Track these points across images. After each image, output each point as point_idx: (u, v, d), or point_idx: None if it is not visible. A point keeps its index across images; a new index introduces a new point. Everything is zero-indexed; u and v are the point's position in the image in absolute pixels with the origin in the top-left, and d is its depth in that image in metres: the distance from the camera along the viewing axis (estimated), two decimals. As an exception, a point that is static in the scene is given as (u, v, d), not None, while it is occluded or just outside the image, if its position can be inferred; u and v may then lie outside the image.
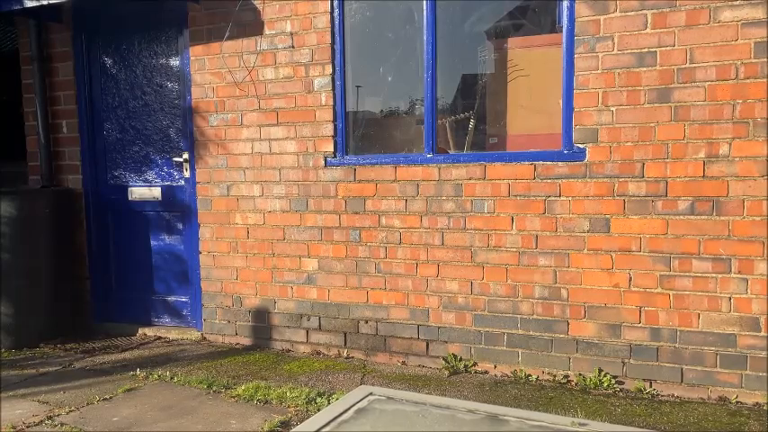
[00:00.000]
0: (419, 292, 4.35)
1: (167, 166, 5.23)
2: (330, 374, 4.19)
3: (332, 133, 4.53)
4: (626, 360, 3.84)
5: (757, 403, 3.55)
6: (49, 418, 3.53)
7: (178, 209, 5.21)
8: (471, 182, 4.15)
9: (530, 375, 4.05)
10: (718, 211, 3.60)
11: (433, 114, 4.28)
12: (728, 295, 3.61)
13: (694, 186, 3.64)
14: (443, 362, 4.27)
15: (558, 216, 3.95)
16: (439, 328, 4.31)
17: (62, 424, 3.43)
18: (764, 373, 3.55)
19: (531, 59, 4.29)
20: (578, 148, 3.89)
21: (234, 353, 4.74)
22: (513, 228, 4.07)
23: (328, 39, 4.48)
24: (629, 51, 3.74)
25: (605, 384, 3.83)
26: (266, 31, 4.66)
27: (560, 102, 3.98)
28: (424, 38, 4.26)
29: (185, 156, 5.10)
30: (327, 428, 2.92)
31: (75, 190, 5.42)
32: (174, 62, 5.13)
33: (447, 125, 4.55)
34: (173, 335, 5.20)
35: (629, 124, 3.76)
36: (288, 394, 3.73)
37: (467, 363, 4.22)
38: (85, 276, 5.47)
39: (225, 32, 4.74)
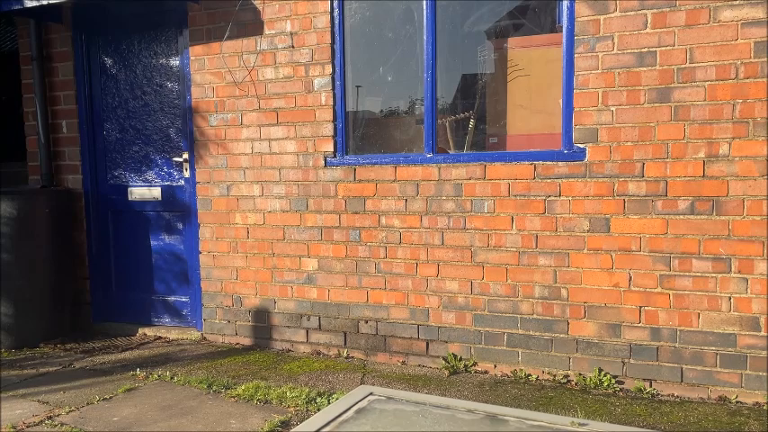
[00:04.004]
0: (419, 291, 4.35)
1: (167, 165, 5.23)
2: (330, 374, 4.19)
3: (332, 133, 4.53)
4: (626, 360, 3.84)
5: (757, 403, 3.55)
6: (49, 417, 3.53)
7: (178, 209, 5.21)
8: (471, 182, 4.15)
9: (530, 375, 4.05)
10: (718, 211, 3.60)
11: (433, 114, 4.28)
12: (728, 295, 3.61)
13: (694, 186, 3.64)
14: (443, 362, 4.27)
15: (558, 216, 3.95)
16: (439, 327, 4.31)
17: (62, 424, 3.43)
18: (764, 373, 3.55)
19: (531, 59, 4.29)
20: (578, 147, 3.89)
21: (234, 353, 4.74)
22: (513, 227, 4.07)
23: (328, 39, 4.48)
24: (629, 51, 3.74)
25: (605, 384, 3.83)
26: (266, 31, 4.66)
27: (560, 102, 3.98)
28: (424, 38, 4.26)
29: (185, 156, 5.10)
30: (327, 428, 2.92)
31: (75, 190, 5.42)
32: (174, 62, 5.13)
33: (447, 125, 4.55)
34: (173, 335, 5.20)
35: (628, 124, 3.77)
36: (288, 394, 3.73)
37: (467, 362, 4.22)
38: (85, 276, 5.47)
39: (225, 32, 4.75)
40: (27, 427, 3.42)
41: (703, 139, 3.61)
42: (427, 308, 4.34)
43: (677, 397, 3.71)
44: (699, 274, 3.66)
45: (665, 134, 3.69)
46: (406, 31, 4.56)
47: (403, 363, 4.42)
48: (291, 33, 4.59)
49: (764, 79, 3.47)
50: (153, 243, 5.33)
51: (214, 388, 3.93)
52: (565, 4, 3.91)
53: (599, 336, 3.90)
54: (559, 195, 3.94)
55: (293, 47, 4.59)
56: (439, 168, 4.24)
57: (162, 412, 3.59)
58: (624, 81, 3.76)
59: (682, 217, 3.68)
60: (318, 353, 4.66)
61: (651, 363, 3.78)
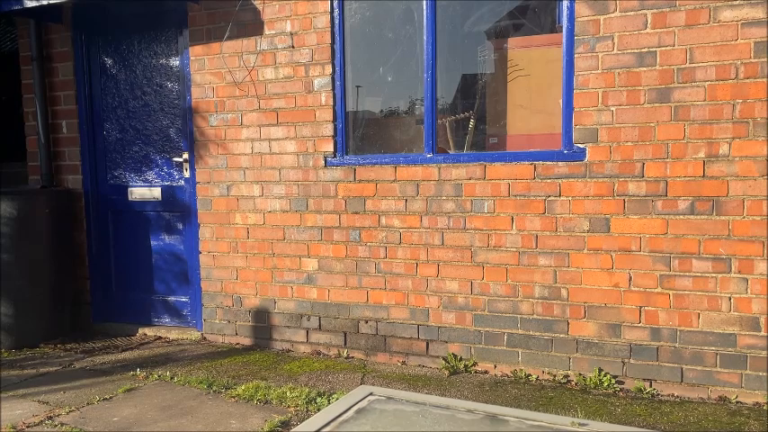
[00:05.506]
0: (419, 291, 4.35)
1: (167, 166, 5.23)
2: (330, 374, 4.20)
3: (332, 133, 4.53)
4: (626, 360, 3.84)
5: (757, 403, 3.55)
6: (49, 418, 3.53)
7: (178, 209, 5.21)
8: (471, 182, 4.15)
9: (530, 375, 4.05)
10: (719, 211, 3.60)
11: (433, 114, 4.28)
12: (728, 295, 3.61)
13: (694, 186, 3.64)
14: (443, 362, 4.27)
15: (558, 216, 3.95)
16: (439, 327, 4.31)
17: (62, 424, 3.43)
18: (764, 373, 3.55)
19: (531, 59, 4.29)
20: (578, 147, 3.89)
21: (234, 353, 4.74)
22: (513, 227, 4.07)
23: (328, 39, 4.48)
24: (629, 51, 3.74)
25: (605, 384, 3.83)
26: (266, 31, 4.66)
27: (560, 102, 3.98)
28: (424, 38, 4.26)
29: (185, 156, 5.10)
30: (327, 428, 2.92)
31: (75, 190, 5.42)
32: (174, 62, 5.13)
33: (447, 125, 4.55)
34: (173, 335, 5.20)
35: (628, 124, 3.77)
36: (288, 394, 3.73)
37: (467, 363, 4.22)
38: (85, 276, 5.47)
39: (225, 32, 4.75)
40: (27, 427, 3.42)
41: (703, 139, 3.61)
42: (427, 308, 4.34)
43: (677, 397, 3.71)
44: (699, 274, 3.66)
45: (665, 134, 3.69)
46: (406, 31, 4.56)
47: (403, 363, 4.42)
48: (291, 33, 4.59)
49: (764, 79, 3.47)
50: (153, 243, 5.33)
51: (214, 388, 3.93)
52: (565, 4, 3.91)
53: (599, 336, 3.90)
54: (559, 195, 3.94)
55: (293, 47, 4.59)
56: (439, 168, 4.24)
57: (162, 412, 3.59)
58: (624, 81, 3.76)
59: (682, 217, 3.68)
60: (318, 353, 4.66)
61: (651, 363, 3.78)
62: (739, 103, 3.53)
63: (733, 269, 3.59)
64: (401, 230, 4.37)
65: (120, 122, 5.37)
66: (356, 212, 4.49)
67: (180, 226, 5.24)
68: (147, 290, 5.38)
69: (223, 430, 3.33)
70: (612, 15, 3.76)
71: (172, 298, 5.32)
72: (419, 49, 4.34)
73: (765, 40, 3.46)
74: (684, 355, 3.71)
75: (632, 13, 3.71)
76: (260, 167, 4.77)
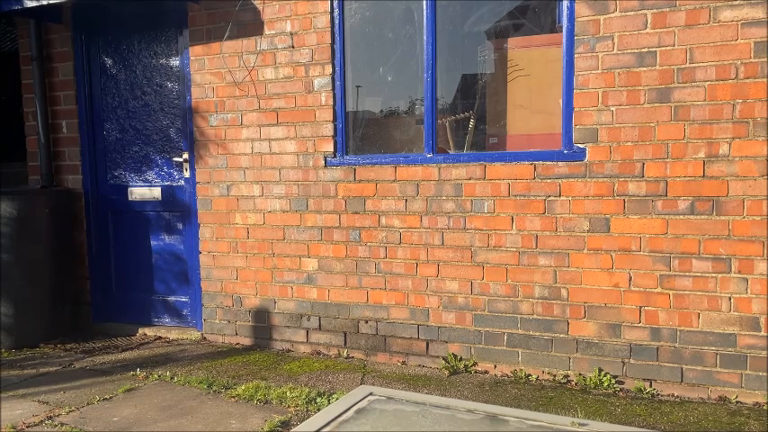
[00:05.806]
0: (419, 291, 4.35)
1: (167, 166, 5.23)
2: (330, 374, 4.20)
3: (332, 133, 4.53)
4: (626, 360, 3.84)
5: (757, 403, 3.55)
6: (49, 418, 3.53)
7: (178, 209, 5.21)
8: (471, 182, 4.15)
9: (530, 375, 4.05)
10: (719, 211, 3.60)
11: (433, 114, 4.28)
12: (728, 295, 3.61)
13: (694, 186, 3.64)
14: (443, 362, 4.27)
15: (558, 216, 3.95)
16: (439, 327, 4.31)
17: (62, 424, 3.44)
18: (764, 373, 3.55)
19: (531, 59, 4.29)
20: (578, 147, 3.89)
21: (234, 353, 4.74)
22: (513, 227, 4.07)
23: (328, 39, 4.48)
24: (629, 51, 3.74)
25: (605, 384, 3.83)
26: (266, 31, 4.66)
27: (560, 102, 3.98)
28: (424, 38, 4.26)
29: (185, 156, 5.10)
30: (327, 428, 2.92)
31: (75, 190, 5.42)
32: (174, 62, 5.13)
33: (447, 125, 4.55)
34: (173, 335, 5.20)
35: (628, 124, 3.77)
36: (288, 394, 3.73)
37: (467, 363, 4.22)
38: (85, 276, 5.47)
39: (225, 32, 4.75)
40: (27, 427, 3.42)
41: (703, 139, 3.61)
42: (427, 308, 4.34)
43: (677, 397, 3.71)
44: (699, 274, 3.66)
45: (665, 134, 3.69)
46: (406, 31, 4.56)
47: (403, 363, 4.42)
48: (291, 33, 4.59)
49: (764, 79, 3.47)
50: (153, 243, 5.33)
51: (214, 388, 3.93)
52: (565, 4, 3.91)
53: (599, 336, 3.90)
54: (559, 195, 3.94)
55: (293, 47, 4.59)
56: (439, 168, 4.24)
57: (162, 412, 3.59)
58: (624, 81, 3.76)
59: (682, 217, 3.68)
60: (318, 353, 4.66)
61: (651, 363, 3.78)
62: (739, 103, 3.53)
63: (733, 269, 3.59)
64: (401, 230, 4.37)
65: (120, 122, 5.37)
66: (356, 212, 4.49)
67: (180, 226, 5.24)
68: (147, 290, 5.38)
69: (223, 430, 3.33)
70: (612, 15, 3.76)
71: (172, 298, 5.32)
72: (419, 49, 4.34)
73: (765, 40, 3.46)
74: (684, 355, 3.71)
75: (632, 13, 3.71)
76: (260, 167, 4.77)
